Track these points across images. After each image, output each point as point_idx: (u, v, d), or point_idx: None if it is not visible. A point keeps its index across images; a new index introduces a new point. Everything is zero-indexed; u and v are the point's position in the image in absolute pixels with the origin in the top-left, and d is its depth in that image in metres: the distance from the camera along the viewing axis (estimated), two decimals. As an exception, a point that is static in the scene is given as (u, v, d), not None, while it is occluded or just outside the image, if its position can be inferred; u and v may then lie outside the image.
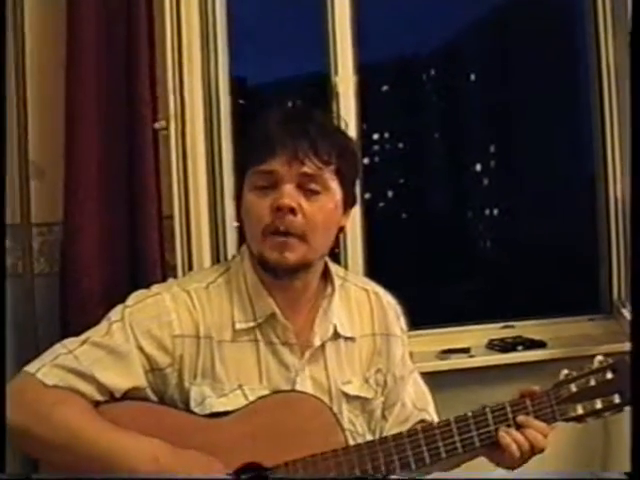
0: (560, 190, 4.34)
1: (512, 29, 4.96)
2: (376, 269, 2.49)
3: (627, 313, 2.51)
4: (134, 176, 2.12)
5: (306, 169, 1.44)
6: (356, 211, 2.41)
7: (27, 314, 2.21)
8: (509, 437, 1.46)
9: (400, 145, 5.89)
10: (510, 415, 1.48)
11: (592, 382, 1.51)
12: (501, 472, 1.84)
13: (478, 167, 5.72)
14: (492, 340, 2.54)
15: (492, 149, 5.67)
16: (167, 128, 2.10)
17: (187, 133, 2.12)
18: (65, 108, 2.12)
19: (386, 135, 5.85)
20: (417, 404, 1.69)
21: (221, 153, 2.26)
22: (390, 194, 5.82)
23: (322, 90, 2.56)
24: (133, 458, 1.38)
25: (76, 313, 2.06)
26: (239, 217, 1.57)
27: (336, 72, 2.49)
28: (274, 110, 1.57)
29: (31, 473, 2.02)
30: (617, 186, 2.64)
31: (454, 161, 5.59)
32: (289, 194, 1.44)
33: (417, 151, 5.79)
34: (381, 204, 5.68)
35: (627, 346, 2.22)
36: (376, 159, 5.83)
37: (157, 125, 2.11)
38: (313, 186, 1.46)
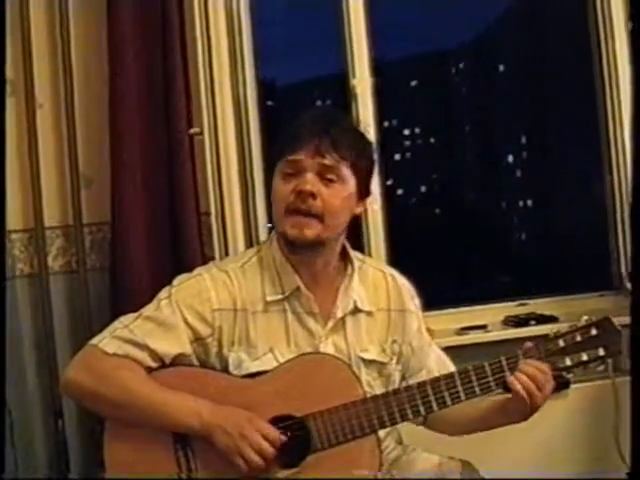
0: (580, 177, 4.48)
1: (540, 18, 5.09)
2: (402, 260, 2.74)
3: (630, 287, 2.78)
4: (173, 178, 2.48)
5: (326, 161, 1.76)
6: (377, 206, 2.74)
7: (82, 306, 2.56)
8: (512, 377, 1.72)
9: (431, 140, 6.03)
10: (506, 367, 1.74)
11: (578, 338, 1.75)
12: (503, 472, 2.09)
13: (510, 159, 5.84)
14: (507, 317, 2.85)
15: (523, 140, 5.78)
16: (201, 134, 2.43)
17: (220, 138, 2.46)
18: (109, 121, 2.49)
19: (417, 130, 5.99)
20: (441, 370, 1.93)
21: (251, 155, 2.58)
22: (423, 189, 5.96)
23: (345, 90, 2.84)
24: (179, 414, 1.71)
25: (125, 303, 2.37)
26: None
27: (353, 75, 2.80)
28: (304, 113, 1.89)
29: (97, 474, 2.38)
30: (621, 173, 2.92)
31: (486, 154, 5.72)
32: (310, 181, 1.75)
33: (449, 145, 5.89)
34: (413, 199, 5.82)
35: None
36: (407, 155, 5.97)
37: (192, 131, 2.45)
38: (331, 176, 1.77)
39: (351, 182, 1.79)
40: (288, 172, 1.78)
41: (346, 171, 1.78)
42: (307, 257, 1.81)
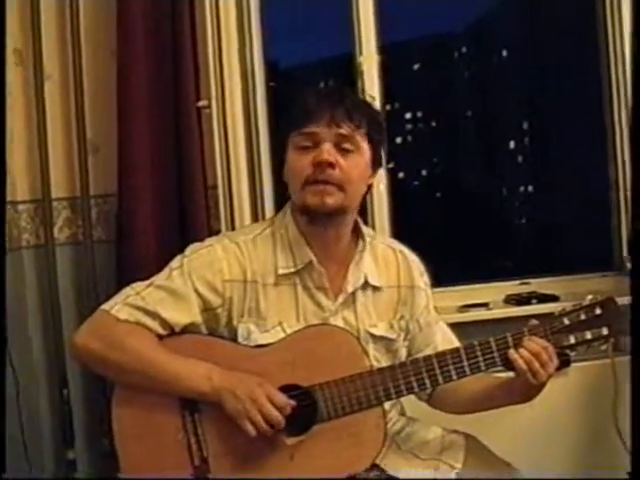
0: (581, 163, 4.50)
1: (543, 3, 5.10)
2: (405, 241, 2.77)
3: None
4: (181, 150, 2.49)
5: (342, 131, 1.78)
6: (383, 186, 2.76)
7: (87, 277, 2.58)
8: (516, 354, 1.74)
9: (433, 124, 6.04)
10: (511, 343, 1.76)
11: (583, 316, 1.77)
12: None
13: (512, 144, 5.85)
14: (509, 295, 2.87)
15: (525, 126, 5.79)
16: (209, 107, 2.44)
17: (227, 111, 2.47)
18: (117, 91, 2.50)
19: (419, 114, 5.99)
20: (447, 347, 1.90)
21: (258, 128, 2.58)
22: (424, 173, 5.98)
23: (349, 72, 2.84)
24: (190, 379, 1.73)
25: (131, 275, 2.31)
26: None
27: (360, 52, 2.80)
28: (313, 88, 1.90)
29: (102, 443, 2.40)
30: (625, 157, 2.91)
31: (488, 139, 5.73)
32: (328, 151, 1.77)
33: (450, 129, 5.89)
34: (415, 183, 5.84)
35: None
36: (409, 138, 5.97)
37: (200, 104, 2.47)
38: (348, 145, 1.79)
39: (366, 151, 1.82)
40: (304, 145, 1.79)
41: (361, 140, 1.80)
42: (323, 229, 1.83)
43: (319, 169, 1.75)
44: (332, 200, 1.76)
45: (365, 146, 1.81)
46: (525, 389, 1.77)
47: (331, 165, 1.75)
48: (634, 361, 1.99)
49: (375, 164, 1.86)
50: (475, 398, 1.90)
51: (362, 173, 1.82)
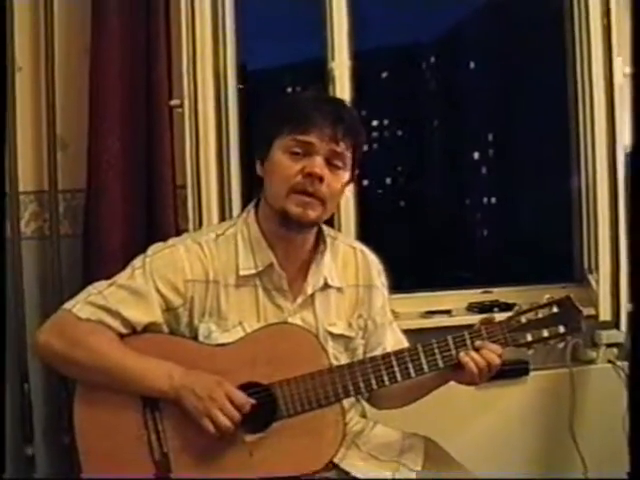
0: (544, 176, 4.56)
1: (512, 16, 5.13)
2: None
3: (592, 280, 2.90)
4: (151, 149, 2.50)
5: (338, 149, 1.80)
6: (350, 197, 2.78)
7: (53, 272, 2.57)
8: (468, 356, 1.78)
9: (399, 132, 6.07)
10: (468, 341, 1.80)
11: (540, 315, 1.81)
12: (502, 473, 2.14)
13: (476, 155, 5.91)
14: (472, 303, 2.92)
15: (490, 138, 5.85)
16: (181, 106, 2.45)
17: (199, 111, 2.47)
18: (89, 88, 2.49)
19: (385, 122, 6.03)
20: (396, 349, 1.96)
21: (229, 129, 2.57)
22: (388, 181, 6.02)
23: (320, 76, 2.85)
24: (151, 377, 1.74)
25: (98, 271, 2.38)
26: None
27: (332, 58, 2.82)
28: (308, 91, 1.89)
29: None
30: (589, 171, 2.93)
31: (452, 149, 5.78)
32: (320, 165, 1.79)
33: (416, 138, 5.93)
34: (379, 191, 5.87)
35: (592, 311, 2.59)
36: (375, 146, 6.00)
37: (172, 103, 2.47)
38: (337, 162, 1.81)
39: (349, 169, 1.84)
40: (295, 151, 1.80)
41: (349, 157, 1.82)
42: (291, 234, 1.85)
43: (309, 180, 1.77)
44: (314, 214, 1.80)
45: (349, 164, 1.83)
46: (465, 382, 1.82)
47: (320, 179, 1.77)
48: (632, 365, 2.06)
49: (351, 180, 1.89)
50: (410, 388, 1.91)
51: (342, 189, 1.85)
